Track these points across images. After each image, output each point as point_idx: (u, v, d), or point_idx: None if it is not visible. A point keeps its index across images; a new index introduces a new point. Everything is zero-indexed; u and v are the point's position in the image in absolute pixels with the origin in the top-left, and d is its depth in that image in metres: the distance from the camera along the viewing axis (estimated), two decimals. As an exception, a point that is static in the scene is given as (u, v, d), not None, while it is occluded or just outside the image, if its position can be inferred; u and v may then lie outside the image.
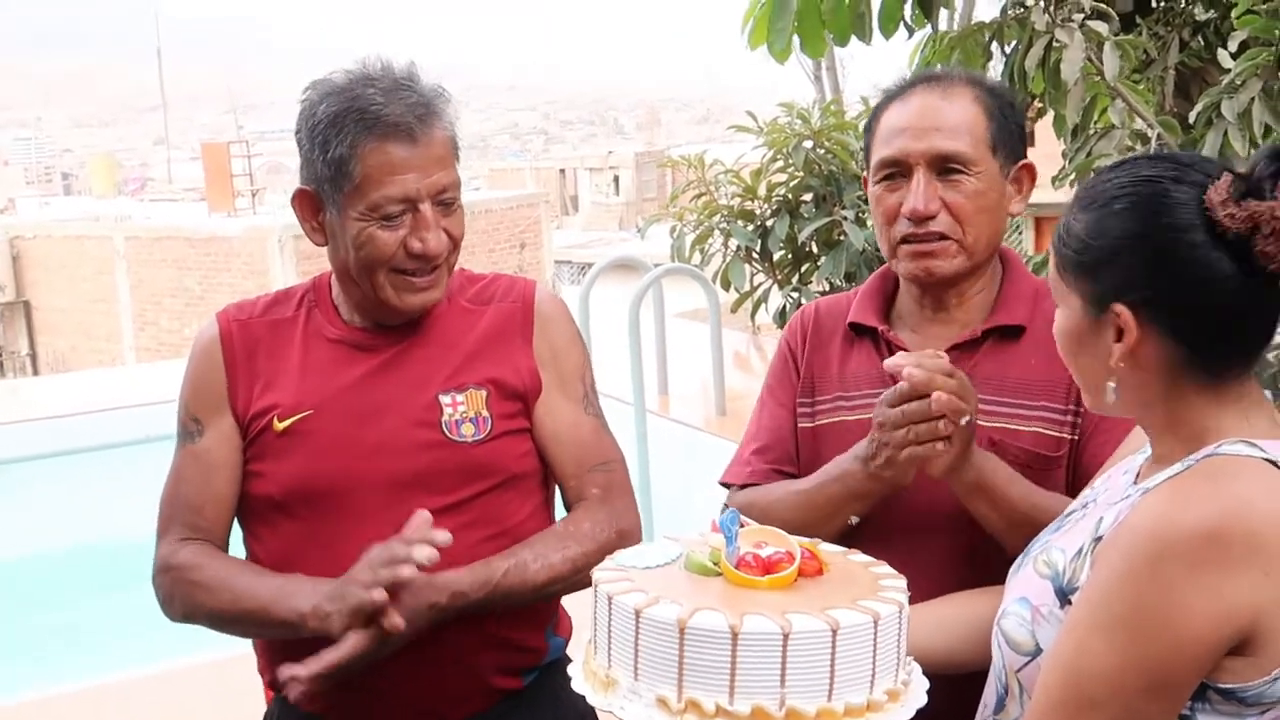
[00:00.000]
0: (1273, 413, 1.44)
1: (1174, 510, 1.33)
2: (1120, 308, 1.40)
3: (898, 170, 1.86)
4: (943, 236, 1.84)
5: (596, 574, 1.47)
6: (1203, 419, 1.42)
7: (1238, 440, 1.38)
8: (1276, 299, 1.39)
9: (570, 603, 2.02)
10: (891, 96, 1.92)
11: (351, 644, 1.75)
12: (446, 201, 1.89)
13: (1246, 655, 1.32)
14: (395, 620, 1.74)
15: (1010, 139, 1.89)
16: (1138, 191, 1.41)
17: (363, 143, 1.82)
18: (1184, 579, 1.30)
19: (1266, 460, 1.36)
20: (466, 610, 1.83)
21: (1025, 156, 1.92)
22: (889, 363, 1.70)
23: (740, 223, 7.36)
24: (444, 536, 1.75)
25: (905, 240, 1.86)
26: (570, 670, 1.48)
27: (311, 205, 1.93)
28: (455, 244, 1.92)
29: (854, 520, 1.80)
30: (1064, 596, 1.43)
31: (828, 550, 1.53)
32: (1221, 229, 1.35)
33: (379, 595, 1.72)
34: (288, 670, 1.76)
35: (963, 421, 1.65)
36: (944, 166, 1.84)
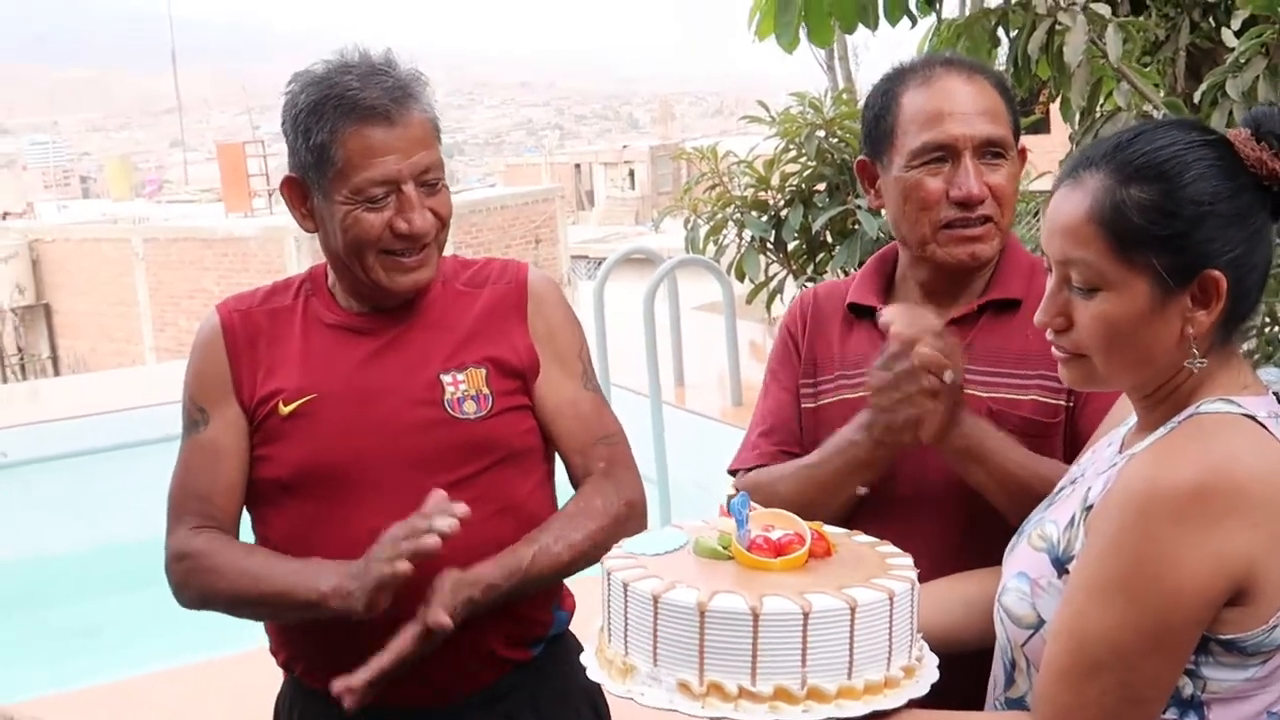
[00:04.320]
0: (1251, 370, 1.47)
1: (1160, 471, 1.36)
2: (1216, 273, 1.38)
3: (942, 154, 1.86)
4: (986, 219, 1.86)
5: (608, 562, 1.48)
6: (1205, 382, 1.43)
7: (1216, 399, 1.41)
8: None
9: (570, 581, 2.04)
10: (905, 78, 1.90)
11: (398, 647, 1.78)
12: (430, 182, 1.92)
13: (1243, 605, 1.34)
14: (442, 618, 1.77)
15: (1019, 124, 1.92)
16: (1207, 154, 1.40)
17: (342, 128, 1.87)
18: (1173, 536, 1.32)
19: (1245, 415, 1.38)
20: (500, 600, 1.87)
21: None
22: (882, 317, 1.72)
23: (754, 213, 7.35)
24: (461, 508, 1.77)
25: (949, 225, 1.86)
26: (584, 659, 1.50)
27: (300, 192, 1.97)
28: (443, 222, 1.95)
29: (862, 491, 1.82)
30: (1060, 566, 1.45)
31: (832, 532, 1.55)
32: (1272, 181, 1.39)
33: (402, 566, 1.74)
34: (340, 683, 1.79)
35: (946, 378, 1.66)
36: (988, 151, 1.86)
